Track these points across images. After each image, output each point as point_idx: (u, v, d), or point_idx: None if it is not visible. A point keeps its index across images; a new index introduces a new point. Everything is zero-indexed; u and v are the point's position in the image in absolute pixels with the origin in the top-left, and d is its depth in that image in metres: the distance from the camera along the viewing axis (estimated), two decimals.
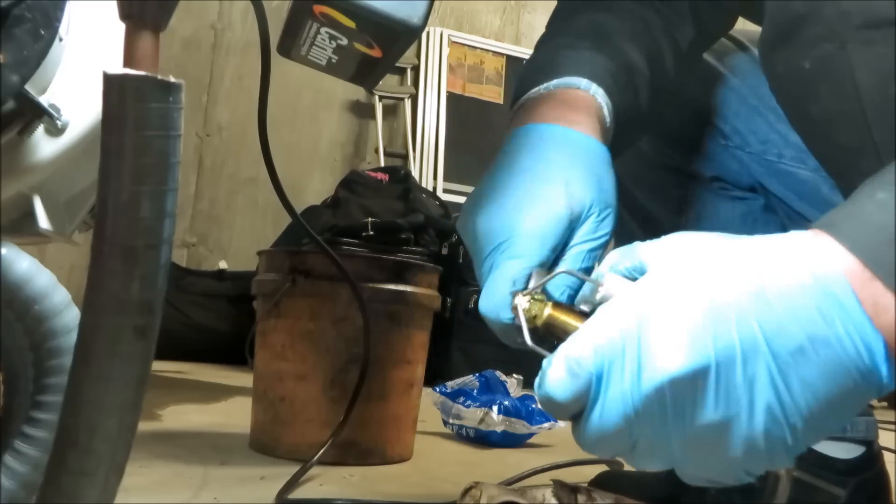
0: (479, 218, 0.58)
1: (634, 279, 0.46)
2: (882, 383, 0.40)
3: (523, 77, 0.69)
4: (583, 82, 0.64)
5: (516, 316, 0.50)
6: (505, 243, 0.56)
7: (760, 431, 0.40)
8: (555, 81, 0.65)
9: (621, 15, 0.72)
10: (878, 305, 0.39)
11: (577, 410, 0.43)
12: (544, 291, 0.53)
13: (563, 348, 0.43)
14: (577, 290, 0.55)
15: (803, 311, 0.39)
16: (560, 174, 0.58)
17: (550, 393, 0.42)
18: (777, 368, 0.39)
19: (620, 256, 0.47)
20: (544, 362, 0.44)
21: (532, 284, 0.53)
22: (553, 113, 0.62)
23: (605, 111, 0.64)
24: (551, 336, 0.48)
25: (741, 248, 0.42)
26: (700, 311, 0.40)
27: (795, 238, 0.42)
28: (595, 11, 0.72)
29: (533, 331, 0.49)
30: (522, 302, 0.50)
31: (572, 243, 0.58)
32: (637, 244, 0.46)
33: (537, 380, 0.44)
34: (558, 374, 0.42)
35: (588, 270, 0.57)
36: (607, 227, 0.58)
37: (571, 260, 0.57)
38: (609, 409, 0.41)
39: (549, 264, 0.56)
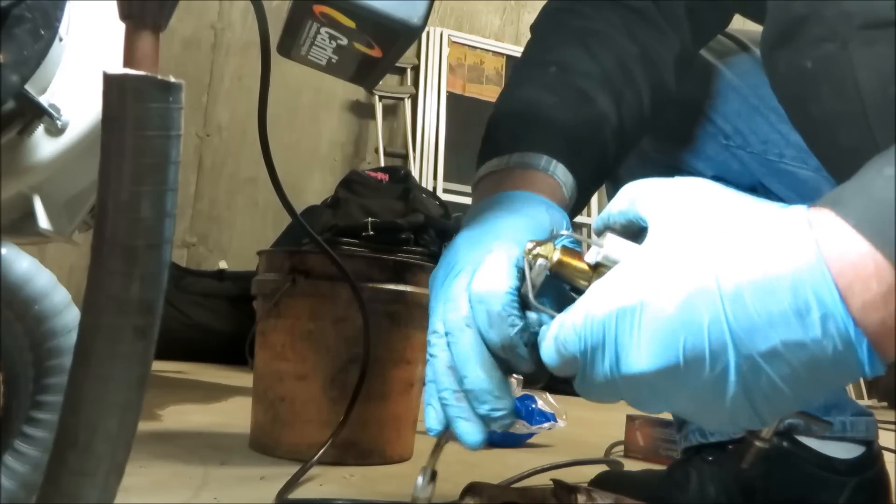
0: (460, 239, 0.58)
1: (638, 227, 0.47)
2: (864, 373, 0.40)
3: (491, 130, 0.70)
4: (542, 160, 0.65)
5: (524, 268, 0.51)
6: (497, 239, 0.55)
7: (727, 416, 0.43)
8: (515, 157, 0.66)
9: (597, 51, 0.71)
10: (867, 303, 0.38)
11: (572, 372, 0.48)
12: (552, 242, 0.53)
13: (554, 325, 0.47)
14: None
15: (779, 316, 0.39)
16: (539, 201, 0.61)
17: (546, 360, 0.48)
18: (747, 368, 0.41)
19: (624, 201, 0.48)
20: (543, 327, 0.49)
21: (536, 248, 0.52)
22: (517, 187, 0.64)
23: (564, 190, 0.65)
24: (562, 279, 0.50)
25: (735, 227, 0.42)
26: (675, 309, 0.42)
27: (791, 221, 0.41)
28: (571, 48, 0.72)
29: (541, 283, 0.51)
30: (531, 245, 0.51)
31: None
32: (647, 185, 0.48)
33: (538, 343, 0.49)
34: (549, 347, 0.47)
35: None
36: None
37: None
38: (593, 381, 0.46)
39: None
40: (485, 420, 0.54)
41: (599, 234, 0.50)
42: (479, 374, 0.53)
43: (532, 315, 0.51)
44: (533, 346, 0.51)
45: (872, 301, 0.38)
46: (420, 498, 0.58)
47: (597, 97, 0.69)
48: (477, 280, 0.52)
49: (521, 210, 0.59)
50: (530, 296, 0.50)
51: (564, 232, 0.54)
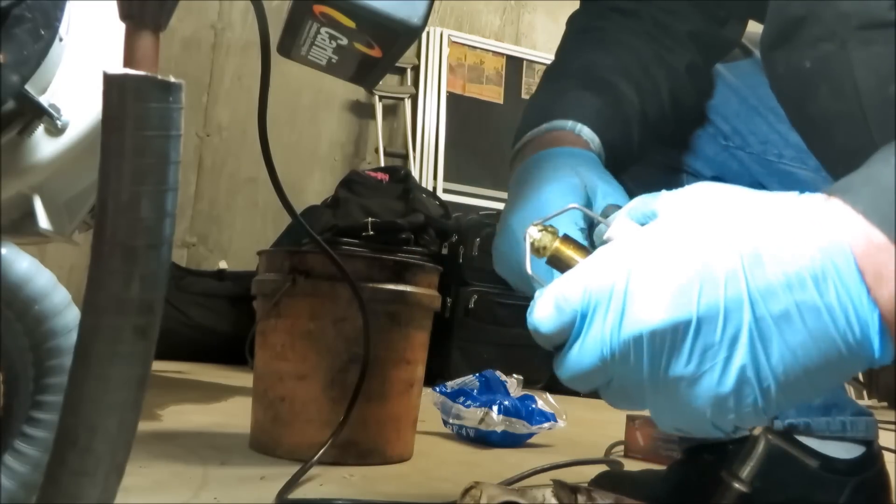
0: (516, 213, 0.63)
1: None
2: (873, 357, 0.39)
3: (522, 121, 0.75)
4: (569, 124, 0.70)
5: (524, 244, 0.50)
6: (537, 203, 0.60)
7: (730, 391, 0.41)
8: (544, 126, 0.71)
9: (615, 51, 0.77)
10: (882, 277, 0.38)
11: (560, 342, 0.45)
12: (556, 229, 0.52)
13: (554, 284, 0.45)
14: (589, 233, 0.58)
15: (796, 278, 0.39)
16: (570, 165, 0.64)
17: (536, 323, 0.45)
18: (759, 331, 0.40)
19: (640, 203, 0.48)
20: (537, 293, 0.45)
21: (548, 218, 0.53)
22: (547, 145, 0.68)
23: (593, 146, 0.70)
24: (556, 268, 0.49)
25: (751, 207, 0.42)
26: (691, 265, 0.40)
27: (806, 202, 0.41)
28: (591, 52, 0.78)
29: (538, 262, 0.49)
30: (533, 231, 0.50)
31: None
32: (661, 192, 0.47)
33: (529, 308, 0.46)
34: (546, 305, 0.44)
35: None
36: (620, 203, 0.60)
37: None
38: (588, 347, 0.43)
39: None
40: None
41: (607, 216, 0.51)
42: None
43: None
44: None
45: (887, 274, 0.38)
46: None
47: (617, 83, 0.73)
48: (498, 240, 0.62)
49: (554, 177, 0.62)
50: (528, 268, 0.49)
51: (574, 205, 0.54)
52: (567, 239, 0.50)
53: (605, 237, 0.48)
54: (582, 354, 0.43)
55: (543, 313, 0.44)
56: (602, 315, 0.42)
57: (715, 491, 0.81)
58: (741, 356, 0.40)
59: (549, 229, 0.50)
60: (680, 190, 0.46)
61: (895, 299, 0.38)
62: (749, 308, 0.39)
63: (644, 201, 0.47)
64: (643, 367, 0.42)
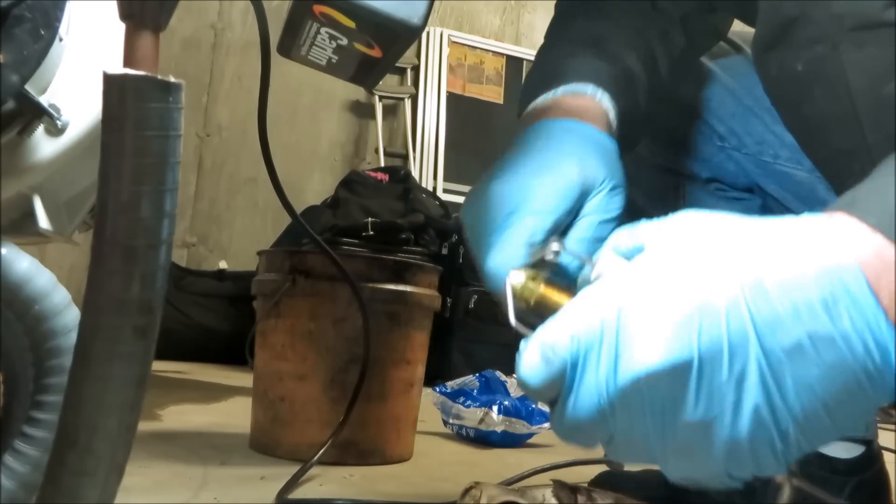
0: (492, 186, 0.57)
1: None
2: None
3: (527, 87, 0.69)
4: (589, 88, 0.65)
5: (505, 293, 0.47)
6: (522, 204, 0.55)
7: (745, 435, 0.37)
8: (562, 88, 0.65)
9: (617, 22, 0.72)
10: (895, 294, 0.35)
11: (553, 396, 0.41)
12: (542, 269, 0.50)
13: (540, 332, 0.40)
14: (579, 266, 0.53)
15: (805, 305, 0.36)
16: (574, 151, 0.58)
17: (524, 377, 0.41)
18: (769, 367, 0.36)
19: (625, 236, 0.44)
20: (521, 344, 0.41)
21: (530, 260, 0.51)
22: (563, 114, 0.62)
23: (612, 116, 0.65)
24: (543, 316, 0.44)
25: (745, 233, 0.39)
26: (688, 300, 0.37)
27: (806, 224, 0.38)
28: (591, 20, 0.73)
29: (525, 310, 0.47)
30: (515, 277, 0.48)
31: (583, 213, 0.57)
32: (642, 223, 0.43)
33: (516, 362, 0.42)
34: (532, 358, 0.40)
35: (599, 241, 0.55)
36: (618, 203, 0.58)
37: (582, 229, 0.57)
38: (583, 399, 0.39)
39: (564, 227, 0.56)
40: None
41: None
42: None
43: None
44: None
45: None
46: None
47: (625, 55, 0.70)
48: (491, 257, 0.53)
49: (553, 165, 0.57)
50: (511, 318, 0.45)
51: (555, 247, 0.50)
52: (553, 284, 0.47)
53: (591, 277, 0.44)
54: (577, 409, 0.39)
55: (530, 366, 0.40)
56: (594, 362, 0.38)
57: (716, 491, 0.81)
58: (753, 395, 0.36)
59: (532, 274, 0.48)
60: (664, 220, 0.43)
61: None
62: (756, 342, 0.36)
63: (628, 235, 0.44)
64: (646, 416, 0.38)
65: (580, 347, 0.39)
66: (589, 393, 0.39)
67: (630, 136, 0.70)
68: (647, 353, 0.37)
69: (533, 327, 0.42)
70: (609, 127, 0.64)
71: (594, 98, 0.64)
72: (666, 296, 0.37)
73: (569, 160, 0.57)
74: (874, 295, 0.35)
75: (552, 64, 0.70)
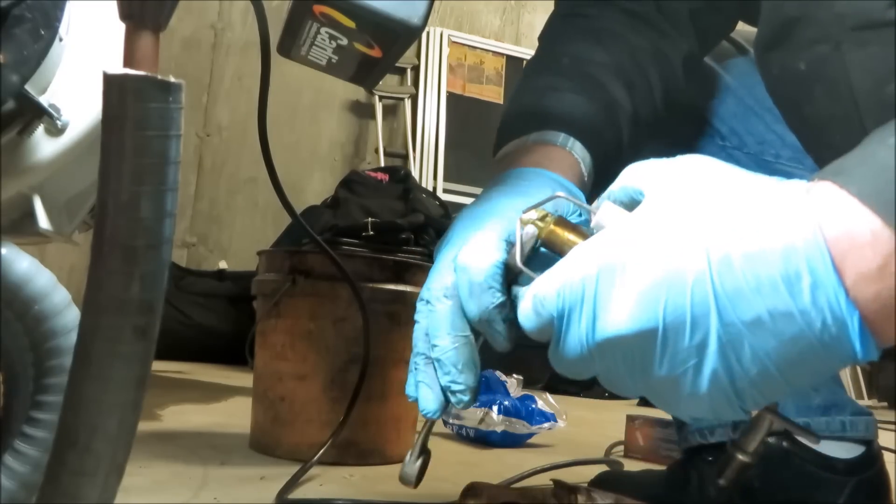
0: (463, 212, 0.59)
1: (636, 202, 0.46)
2: (855, 357, 0.38)
3: (507, 119, 0.71)
4: (560, 137, 0.66)
5: (516, 236, 0.49)
6: (495, 214, 0.55)
7: (705, 392, 0.41)
8: (534, 136, 0.67)
9: (608, 45, 0.72)
10: (863, 275, 0.37)
11: (548, 338, 0.46)
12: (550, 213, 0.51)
13: (534, 284, 0.45)
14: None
15: (767, 281, 0.38)
16: (545, 184, 0.60)
17: (521, 321, 0.46)
18: (728, 337, 0.39)
19: (628, 178, 0.47)
20: (522, 289, 0.47)
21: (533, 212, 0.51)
22: (533, 163, 0.64)
23: (583, 167, 0.66)
24: (553, 251, 0.48)
25: (731, 196, 0.41)
26: (660, 270, 0.40)
27: (790, 192, 0.40)
28: (582, 42, 0.74)
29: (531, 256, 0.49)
30: (528, 215, 0.49)
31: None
32: (648, 164, 0.46)
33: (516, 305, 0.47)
34: (526, 307, 0.45)
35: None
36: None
37: None
38: (569, 346, 0.44)
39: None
40: (445, 392, 0.54)
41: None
42: (447, 343, 0.53)
43: (516, 290, 0.50)
44: (511, 323, 0.50)
45: (868, 272, 0.37)
46: (406, 475, 0.57)
47: (609, 84, 0.70)
48: (463, 251, 0.52)
49: (527, 190, 0.58)
50: (518, 260, 0.48)
51: (560, 194, 0.52)
52: (562, 221, 0.49)
53: (592, 225, 0.47)
54: (565, 352, 0.44)
55: (525, 314, 0.46)
56: (577, 318, 0.43)
57: (716, 491, 0.81)
58: (712, 361, 0.40)
59: (544, 213, 0.49)
60: (668, 164, 0.45)
61: (880, 298, 0.37)
62: (716, 315, 0.39)
63: (632, 176, 0.46)
64: (620, 367, 0.43)
65: (565, 304, 0.43)
66: (573, 342, 0.44)
67: (607, 167, 0.70)
68: (617, 319, 0.41)
69: (543, 267, 0.46)
70: (579, 177, 0.65)
71: (565, 147, 0.66)
72: (639, 263, 0.41)
73: (544, 187, 0.59)
74: (837, 273, 0.37)
75: (533, 98, 0.72)
